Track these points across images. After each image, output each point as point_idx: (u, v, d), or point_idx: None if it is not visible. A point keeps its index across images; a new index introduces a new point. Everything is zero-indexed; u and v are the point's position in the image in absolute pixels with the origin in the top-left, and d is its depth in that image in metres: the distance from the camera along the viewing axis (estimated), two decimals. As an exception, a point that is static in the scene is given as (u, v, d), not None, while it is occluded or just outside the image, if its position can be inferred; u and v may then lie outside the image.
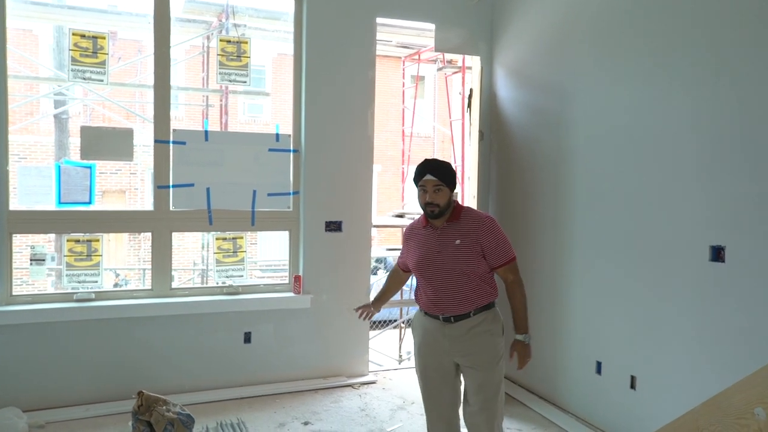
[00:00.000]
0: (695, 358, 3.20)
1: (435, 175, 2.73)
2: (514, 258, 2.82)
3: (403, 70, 9.45)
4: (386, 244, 13.46)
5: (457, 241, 2.73)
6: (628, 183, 3.65)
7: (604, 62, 3.87)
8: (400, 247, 9.75)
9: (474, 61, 5.26)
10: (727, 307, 3.03)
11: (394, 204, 13.33)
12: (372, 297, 3.54)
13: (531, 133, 4.63)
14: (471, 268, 2.73)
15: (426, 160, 2.80)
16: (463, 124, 6.61)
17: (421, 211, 2.86)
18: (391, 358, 6.74)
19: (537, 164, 4.53)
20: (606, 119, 3.84)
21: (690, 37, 3.25)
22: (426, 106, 15.49)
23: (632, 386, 3.61)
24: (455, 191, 2.83)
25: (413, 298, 3.06)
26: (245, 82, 4.60)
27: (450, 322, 2.79)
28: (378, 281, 10.31)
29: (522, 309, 2.82)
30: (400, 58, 10.13)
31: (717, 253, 3.06)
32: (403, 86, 9.42)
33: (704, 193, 3.15)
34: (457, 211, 2.81)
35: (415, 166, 2.84)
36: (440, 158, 2.92)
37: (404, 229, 3.12)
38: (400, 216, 7.67)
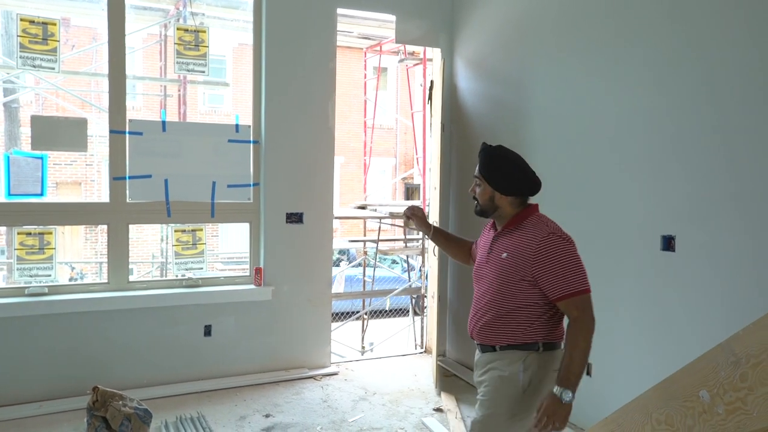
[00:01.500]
0: (647, 344, 3.30)
1: (479, 165, 2.34)
2: (582, 292, 2.14)
3: (365, 61, 9.43)
4: (349, 236, 13.46)
5: (505, 254, 2.23)
6: (583, 174, 3.73)
7: (561, 56, 3.93)
8: (363, 238, 9.67)
9: (435, 53, 5.29)
10: (676, 294, 3.13)
11: (356, 196, 13.33)
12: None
13: (490, 124, 4.68)
14: (510, 293, 2.21)
15: (483, 146, 2.38)
16: (424, 115, 6.64)
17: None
18: (354, 350, 6.76)
19: (497, 156, 4.58)
20: (561, 111, 3.90)
21: (643, 33, 3.33)
22: (389, 98, 15.52)
23: (588, 373, 3.70)
24: (506, 196, 2.31)
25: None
26: (204, 71, 4.52)
27: (479, 350, 2.38)
28: (341, 272, 10.32)
29: (576, 359, 2.10)
30: (361, 49, 10.10)
31: (668, 243, 3.15)
32: (365, 78, 9.40)
33: (656, 184, 3.24)
34: (520, 217, 2.28)
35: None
36: (496, 150, 2.36)
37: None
38: (362, 208, 7.67)
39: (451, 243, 2.78)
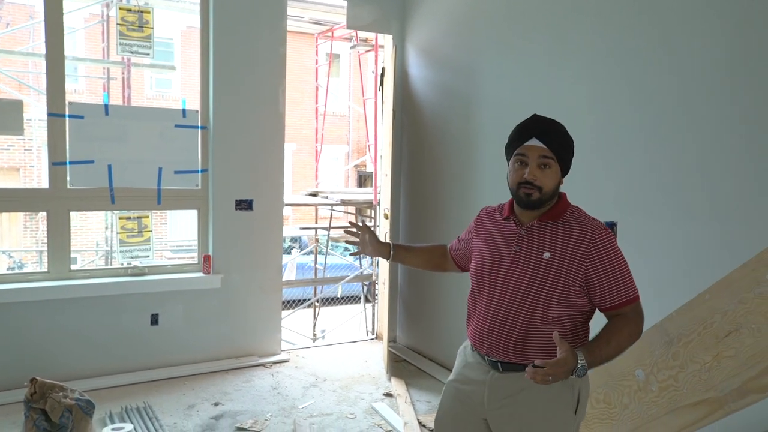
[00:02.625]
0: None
1: (545, 140, 1.81)
2: (637, 297, 1.84)
3: (317, 47, 9.33)
4: (301, 223, 13.39)
5: (547, 254, 1.80)
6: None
7: (509, 44, 3.99)
8: (315, 225, 9.62)
9: (386, 40, 5.28)
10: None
11: (309, 183, 13.25)
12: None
13: (441, 111, 4.72)
14: (555, 301, 1.79)
15: (534, 117, 1.90)
16: (376, 102, 6.64)
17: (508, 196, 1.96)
18: (305, 337, 6.76)
19: (446, 142, 4.63)
20: (510, 99, 3.96)
21: (586, 21, 3.40)
22: (341, 85, 15.43)
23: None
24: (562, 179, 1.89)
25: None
26: (149, 54, 4.39)
27: (497, 370, 1.88)
28: (292, 260, 10.26)
29: (614, 345, 1.76)
30: (313, 35, 10.00)
31: (610, 229, 3.25)
32: (317, 64, 9.31)
33: (600, 171, 3.33)
34: (560, 208, 1.87)
35: (516, 125, 1.91)
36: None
37: (480, 211, 2.15)
38: (314, 195, 7.63)
39: (417, 255, 2.35)
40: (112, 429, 3.35)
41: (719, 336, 1.93)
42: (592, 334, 1.85)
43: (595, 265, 1.77)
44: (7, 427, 3.48)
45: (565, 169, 1.87)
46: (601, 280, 1.78)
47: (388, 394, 4.20)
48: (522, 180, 1.81)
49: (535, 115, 1.90)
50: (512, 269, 1.85)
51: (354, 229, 2.28)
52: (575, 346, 1.71)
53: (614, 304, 1.80)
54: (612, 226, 3.24)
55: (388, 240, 2.17)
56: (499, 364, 1.86)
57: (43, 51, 4.09)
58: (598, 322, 1.83)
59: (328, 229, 7.39)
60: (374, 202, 6.48)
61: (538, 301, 1.79)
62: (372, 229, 2.21)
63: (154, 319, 4.40)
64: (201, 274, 4.54)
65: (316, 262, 7.94)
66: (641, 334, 1.82)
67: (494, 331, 1.87)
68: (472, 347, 1.99)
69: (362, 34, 7.70)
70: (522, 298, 1.81)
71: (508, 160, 1.91)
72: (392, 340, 5.31)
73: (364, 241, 2.25)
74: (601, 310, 1.85)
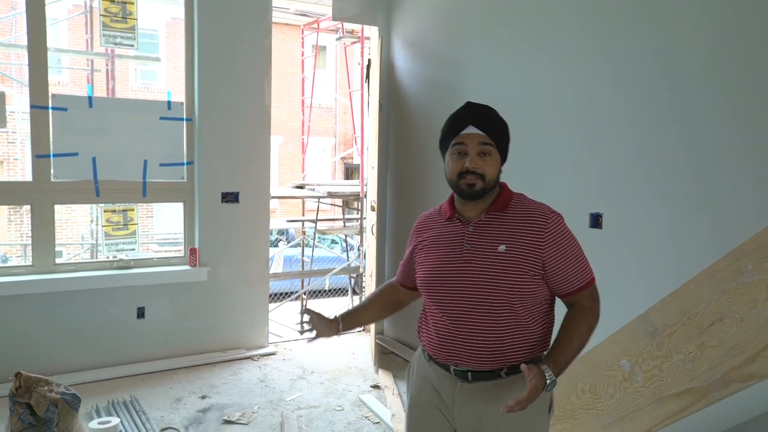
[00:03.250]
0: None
1: (482, 127, 1.72)
2: (593, 280, 1.79)
3: (303, 39, 9.27)
4: (288, 216, 13.35)
5: (502, 247, 1.69)
6: (516, 153, 3.80)
7: (494, 36, 3.99)
8: (302, 218, 9.64)
9: (372, 32, 5.26)
10: (602, 269, 3.24)
11: (295, 175, 13.19)
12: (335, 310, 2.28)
13: (427, 104, 4.72)
14: (519, 295, 1.69)
15: (469, 105, 1.79)
16: (362, 94, 6.62)
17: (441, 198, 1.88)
18: (292, 329, 6.75)
19: (432, 134, 4.61)
20: (495, 91, 3.97)
21: (571, 12, 3.41)
22: (328, 77, 15.36)
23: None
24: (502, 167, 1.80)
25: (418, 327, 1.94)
26: (133, 45, 4.35)
27: (466, 380, 1.75)
28: (279, 253, 10.23)
29: (576, 346, 1.70)
30: (299, 26, 9.94)
31: (596, 220, 3.27)
32: (303, 56, 9.25)
33: (586, 163, 3.35)
34: (504, 197, 1.78)
35: (449, 116, 1.81)
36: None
37: (417, 220, 1.98)
38: (300, 187, 7.61)
39: (369, 309, 2.10)
40: (99, 423, 3.33)
41: (703, 326, 1.96)
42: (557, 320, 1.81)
43: (552, 249, 1.69)
44: (-9, 422, 3.45)
45: (503, 157, 1.78)
46: (559, 265, 1.70)
47: (376, 386, 4.21)
48: (462, 170, 1.71)
49: (469, 102, 1.80)
50: (468, 270, 1.71)
51: (307, 318, 2.03)
52: (540, 362, 1.65)
53: (573, 289, 1.73)
54: (597, 217, 3.27)
55: (337, 315, 1.99)
56: (468, 374, 1.73)
57: (26, 42, 4.04)
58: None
59: (315, 221, 7.37)
60: (361, 194, 6.47)
61: (503, 297, 1.67)
62: (314, 310, 2.01)
63: (141, 313, 4.37)
64: (187, 267, 4.52)
65: (303, 255, 7.93)
66: (599, 317, 1.78)
67: (459, 339, 1.72)
68: (428, 357, 1.84)
69: (348, 26, 7.66)
70: (485, 297, 1.69)
71: (444, 155, 1.81)
72: (380, 332, 5.32)
73: (316, 324, 1.99)
74: (560, 297, 1.77)
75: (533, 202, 1.78)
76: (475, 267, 1.70)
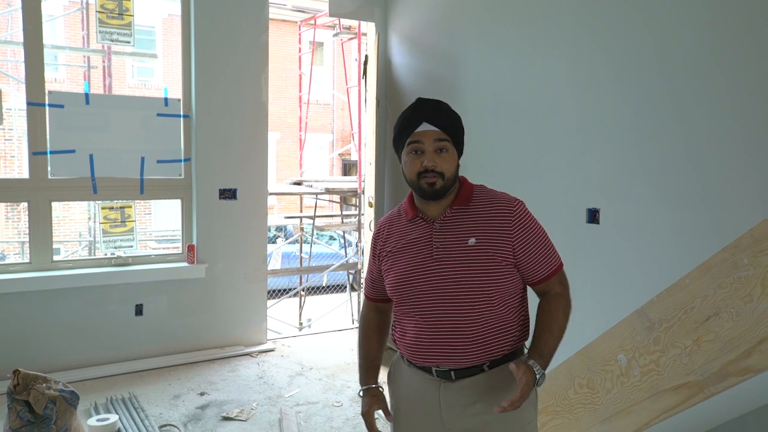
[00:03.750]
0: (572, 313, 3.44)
1: (436, 123, 1.68)
2: (561, 265, 1.76)
3: (300, 35, 9.26)
4: (286, 212, 13.35)
5: (472, 240, 1.66)
6: (513, 148, 3.81)
7: (491, 32, 3.98)
8: (300, 214, 9.64)
9: (369, 28, 5.25)
10: (599, 265, 3.27)
11: (293, 172, 13.19)
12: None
13: (425, 100, 4.71)
14: (495, 287, 1.66)
15: (420, 101, 1.74)
16: (359, 90, 6.61)
17: (399, 199, 1.94)
18: (291, 326, 6.76)
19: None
20: (493, 87, 3.97)
21: (569, 7, 3.40)
22: (325, 73, 15.33)
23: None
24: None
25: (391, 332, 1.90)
26: (129, 42, 4.34)
27: (449, 380, 1.70)
28: (277, 249, 10.23)
29: (557, 335, 1.69)
30: (296, 22, 9.93)
31: (593, 215, 3.28)
32: (300, 52, 9.24)
33: (583, 158, 3.35)
34: (466, 191, 1.75)
35: (401, 114, 1.76)
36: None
37: (375, 227, 1.92)
38: (298, 183, 7.60)
39: (373, 345, 1.98)
40: (98, 420, 3.34)
41: (699, 320, 1.96)
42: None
43: (520, 236, 1.67)
44: (-10, 420, 3.46)
45: (460, 151, 1.74)
46: (529, 251, 1.68)
47: (374, 382, 4.21)
48: (421, 169, 1.66)
49: (420, 99, 1.74)
50: (439, 268, 1.67)
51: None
52: (523, 354, 1.67)
53: (544, 275, 1.71)
54: (594, 212, 3.27)
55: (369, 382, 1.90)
56: (452, 373, 1.68)
57: (22, 39, 4.02)
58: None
59: (313, 218, 7.37)
60: (359, 191, 6.47)
61: (479, 290, 1.64)
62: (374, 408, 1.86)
63: (139, 310, 4.37)
64: (185, 264, 4.52)
65: (301, 251, 7.93)
66: (571, 302, 1.76)
67: (439, 340, 1.67)
68: (408, 363, 1.78)
69: (345, 22, 7.65)
70: (461, 294, 1.64)
71: (400, 155, 1.76)
72: (378, 328, 5.32)
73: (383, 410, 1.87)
74: (531, 285, 1.75)
75: (495, 192, 1.76)
76: (448, 264, 1.66)
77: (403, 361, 1.81)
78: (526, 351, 1.73)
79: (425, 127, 1.67)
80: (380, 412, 1.85)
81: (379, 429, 1.87)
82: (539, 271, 1.70)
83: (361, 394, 1.88)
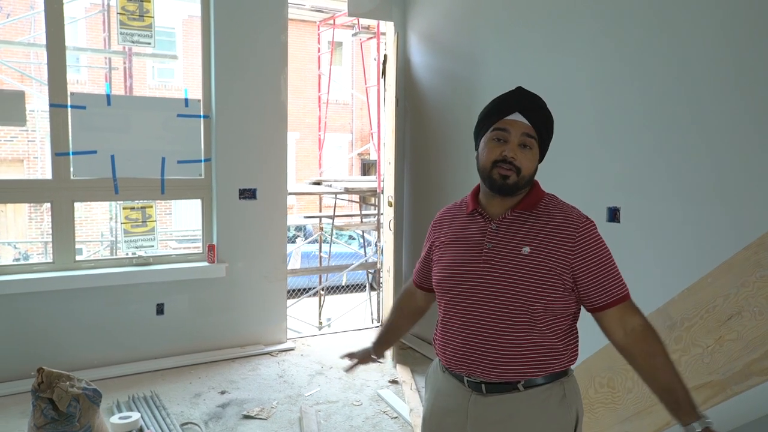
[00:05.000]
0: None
1: (529, 117, 1.59)
2: (628, 294, 1.61)
3: (319, 35, 9.28)
4: (305, 212, 13.40)
5: (526, 249, 1.55)
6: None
7: (510, 30, 3.96)
8: (319, 214, 9.72)
9: (388, 27, 5.25)
10: (620, 264, 3.21)
11: (313, 172, 13.24)
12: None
13: (443, 98, 4.70)
14: (539, 303, 1.53)
15: (519, 90, 1.66)
16: (378, 90, 6.62)
17: (468, 190, 1.73)
18: (310, 325, 6.78)
19: (449, 129, 4.62)
20: (512, 83, 3.92)
21: (587, 5, 3.37)
22: (344, 73, 15.37)
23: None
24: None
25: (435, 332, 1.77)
26: (150, 43, 4.39)
27: (480, 393, 1.60)
28: (297, 249, 10.28)
29: (675, 373, 1.52)
30: (315, 22, 9.96)
31: (613, 214, 3.25)
32: (319, 52, 9.27)
33: (603, 157, 3.32)
34: (535, 196, 1.64)
35: (494, 98, 1.68)
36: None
37: (434, 217, 1.84)
38: (318, 183, 7.63)
39: (399, 321, 2.02)
40: (120, 417, 3.38)
41: (721, 319, 1.93)
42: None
43: (582, 258, 1.53)
44: (15, 417, 3.52)
45: (542, 155, 1.65)
46: (591, 276, 1.54)
47: (394, 381, 4.22)
48: (499, 158, 1.55)
49: (520, 88, 1.65)
50: (486, 270, 1.57)
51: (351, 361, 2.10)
52: (684, 425, 1.48)
53: (607, 302, 1.55)
54: (615, 211, 3.24)
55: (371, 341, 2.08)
56: (482, 386, 1.58)
57: (44, 41, 4.09)
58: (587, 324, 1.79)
59: (332, 217, 7.39)
60: (378, 190, 6.48)
61: (521, 304, 1.52)
62: (353, 352, 2.09)
63: (160, 309, 4.42)
64: (206, 264, 4.56)
65: (320, 251, 7.96)
66: (656, 329, 1.59)
67: (473, 347, 1.57)
68: (443, 369, 1.69)
69: (364, 22, 7.66)
70: (502, 302, 1.54)
71: (479, 140, 1.65)
72: (397, 328, 5.32)
73: (355, 355, 2.09)
74: (589, 311, 1.60)
75: (566, 205, 1.63)
76: (495, 268, 1.55)
77: (440, 367, 1.72)
78: (571, 374, 1.64)
79: (517, 117, 1.57)
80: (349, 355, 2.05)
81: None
82: (601, 297, 1.55)
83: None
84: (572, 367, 1.64)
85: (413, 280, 1.93)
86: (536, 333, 1.53)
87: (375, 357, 2.02)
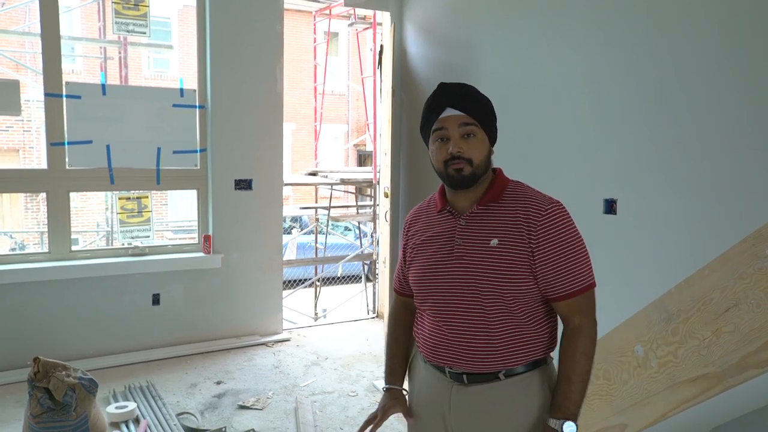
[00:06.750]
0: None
1: (461, 107, 1.58)
2: (591, 286, 1.59)
3: (315, 25, 9.24)
4: (301, 203, 13.38)
5: (494, 241, 1.55)
6: (529, 138, 3.78)
7: (507, 22, 3.94)
8: (315, 205, 9.68)
9: (384, 17, 5.23)
10: (617, 256, 3.23)
11: (308, 162, 13.22)
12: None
13: (440, 90, 4.68)
14: (513, 293, 1.54)
15: (442, 86, 1.65)
16: (374, 81, 6.59)
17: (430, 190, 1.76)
18: (306, 316, 6.78)
19: (446, 121, 4.61)
20: (508, 76, 3.93)
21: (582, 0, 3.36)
22: (340, 64, 15.31)
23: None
24: (492, 150, 1.65)
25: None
26: (145, 33, 4.35)
27: (462, 384, 1.61)
28: (293, 240, 10.27)
29: (577, 382, 1.53)
30: (311, 12, 9.90)
31: (610, 206, 3.24)
32: (315, 42, 9.22)
33: (599, 148, 3.31)
34: (498, 185, 1.63)
35: (426, 101, 1.68)
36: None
37: (406, 218, 1.84)
38: (313, 174, 7.61)
39: (401, 344, 1.85)
40: (116, 407, 3.38)
41: (718, 312, 1.94)
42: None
43: (543, 242, 1.52)
44: (12, 406, 3.52)
45: (492, 137, 1.63)
46: (549, 262, 1.52)
47: (389, 372, 4.22)
48: (447, 157, 1.56)
49: (442, 83, 1.64)
50: (459, 266, 1.58)
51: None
52: (551, 418, 1.52)
53: (563, 293, 1.53)
54: (612, 202, 3.24)
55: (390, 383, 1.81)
56: (464, 376, 1.59)
57: (39, 30, 4.05)
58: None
59: (328, 208, 7.38)
60: (374, 181, 6.47)
61: (496, 296, 1.53)
62: (376, 413, 1.78)
63: (156, 299, 4.41)
64: (201, 254, 4.55)
65: (316, 242, 7.95)
66: (596, 340, 1.58)
67: (453, 341, 1.59)
68: (424, 360, 1.69)
69: (360, 12, 7.62)
70: (478, 296, 1.55)
71: (428, 144, 1.66)
72: (393, 319, 5.33)
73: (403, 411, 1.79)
74: (550, 302, 1.57)
75: (532, 191, 1.62)
76: (467, 264, 1.56)
77: (421, 358, 1.72)
78: (550, 362, 1.64)
79: (449, 112, 1.58)
80: (401, 414, 1.77)
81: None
82: (558, 286, 1.53)
83: (383, 389, 1.82)
84: (552, 354, 1.65)
85: (397, 293, 1.89)
86: (514, 321, 1.55)
87: (402, 389, 1.80)
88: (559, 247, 1.52)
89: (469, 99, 1.59)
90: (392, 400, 1.76)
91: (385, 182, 5.00)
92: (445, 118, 1.58)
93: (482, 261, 1.54)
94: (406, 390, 1.80)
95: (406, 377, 1.81)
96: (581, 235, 1.59)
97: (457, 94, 1.60)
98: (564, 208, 1.58)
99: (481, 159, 1.57)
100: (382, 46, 5.19)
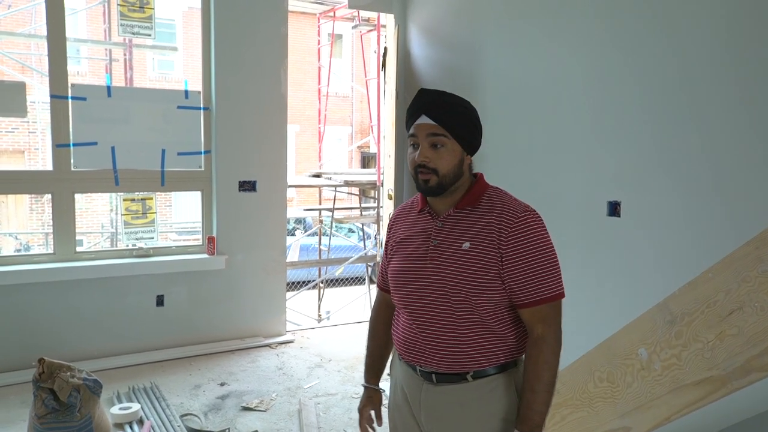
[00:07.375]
0: (592, 306, 3.41)
1: (433, 116, 1.58)
2: (557, 296, 1.59)
3: (319, 27, 9.25)
4: (305, 205, 13.40)
5: (466, 244, 1.58)
6: (533, 140, 3.78)
7: (510, 24, 3.95)
8: (319, 207, 9.75)
9: (388, 19, 5.23)
10: (621, 258, 3.23)
11: (312, 164, 13.22)
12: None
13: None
14: (481, 297, 1.56)
15: (420, 92, 1.65)
16: (378, 83, 6.60)
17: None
18: (310, 318, 6.80)
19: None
20: (512, 78, 3.93)
21: (585, 2, 3.36)
22: (344, 65, 15.33)
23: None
24: (471, 158, 1.67)
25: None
26: (150, 35, 4.37)
27: (431, 383, 1.64)
28: (296, 242, 10.28)
29: (541, 393, 1.54)
30: (315, 14, 9.92)
31: (614, 208, 3.24)
32: (319, 44, 9.24)
33: (603, 151, 3.31)
34: (477, 191, 1.65)
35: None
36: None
37: (392, 214, 1.87)
38: (317, 176, 7.62)
39: (380, 341, 1.92)
40: (120, 408, 3.39)
41: (722, 315, 1.94)
42: None
43: (512, 249, 1.53)
44: (17, 406, 3.53)
45: (468, 147, 1.62)
46: (516, 269, 1.54)
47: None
48: (416, 163, 1.59)
49: (422, 89, 1.64)
50: (432, 267, 1.60)
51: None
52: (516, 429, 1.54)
53: (528, 301, 1.54)
54: (615, 205, 3.24)
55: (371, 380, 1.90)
56: (433, 376, 1.62)
57: (45, 32, 4.07)
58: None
59: (332, 210, 7.39)
60: (378, 183, 6.48)
61: (465, 298, 1.55)
62: (368, 417, 1.87)
63: (160, 300, 4.43)
64: (205, 256, 4.56)
65: (320, 244, 7.96)
66: (559, 351, 1.57)
67: (423, 340, 1.62)
68: (399, 358, 1.73)
69: (364, 14, 7.64)
70: (448, 298, 1.57)
71: None
72: (396, 321, 5.33)
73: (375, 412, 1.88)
74: (517, 308, 1.58)
75: (508, 198, 1.63)
76: (440, 265, 1.59)
77: (396, 356, 1.77)
78: (520, 365, 1.64)
79: (422, 119, 1.59)
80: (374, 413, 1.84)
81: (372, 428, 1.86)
82: (522, 294, 1.54)
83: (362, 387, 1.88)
84: (522, 357, 1.64)
85: (380, 289, 1.91)
86: (482, 325, 1.57)
87: (376, 388, 1.87)
88: (528, 255, 1.54)
89: (442, 109, 1.59)
90: (366, 399, 1.84)
91: (388, 184, 5.01)
92: (418, 125, 1.60)
93: (453, 263, 1.57)
94: (382, 389, 1.85)
95: (386, 373, 1.83)
96: (553, 245, 1.60)
97: (430, 102, 1.60)
98: (538, 216, 1.59)
99: (448, 169, 1.57)
100: (386, 48, 5.20)
